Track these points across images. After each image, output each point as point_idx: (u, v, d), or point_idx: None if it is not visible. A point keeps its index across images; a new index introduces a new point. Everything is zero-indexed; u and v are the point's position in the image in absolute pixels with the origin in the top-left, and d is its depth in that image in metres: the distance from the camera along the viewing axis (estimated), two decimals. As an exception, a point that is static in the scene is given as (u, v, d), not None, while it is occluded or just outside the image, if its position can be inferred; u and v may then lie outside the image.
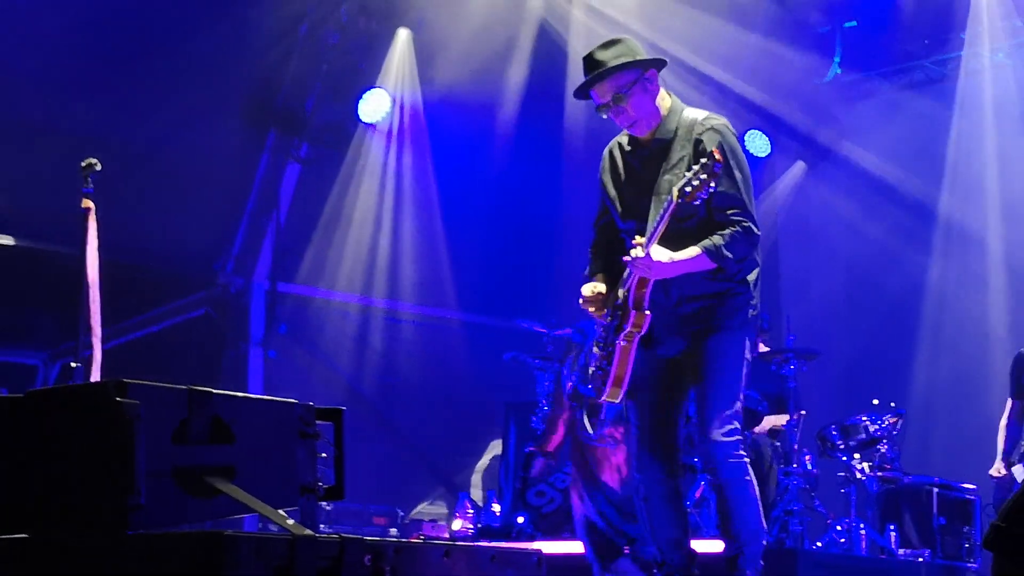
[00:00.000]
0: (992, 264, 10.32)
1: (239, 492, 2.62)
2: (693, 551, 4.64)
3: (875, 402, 7.93)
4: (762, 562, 4.45)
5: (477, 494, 10.52)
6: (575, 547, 6.43)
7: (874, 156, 11.06)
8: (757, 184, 4.65)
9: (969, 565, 7.63)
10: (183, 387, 2.64)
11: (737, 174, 4.43)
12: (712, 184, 4.18)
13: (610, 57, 4.51)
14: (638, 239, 4.38)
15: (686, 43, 9.72)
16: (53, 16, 8.69)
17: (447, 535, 8.78)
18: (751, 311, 4.57)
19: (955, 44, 10.31)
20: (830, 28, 10.59)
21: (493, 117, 10.75)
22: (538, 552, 2.91)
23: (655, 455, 4.58)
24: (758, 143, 11.12)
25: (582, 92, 4.61)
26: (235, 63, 9.71)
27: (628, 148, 4.70)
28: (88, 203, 5.46)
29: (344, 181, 10.84)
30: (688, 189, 4.19)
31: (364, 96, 10.63)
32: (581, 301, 4.70)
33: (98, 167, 5.49)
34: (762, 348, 8.28)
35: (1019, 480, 7.14)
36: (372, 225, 10.98)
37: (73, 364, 5.38)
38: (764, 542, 4.46)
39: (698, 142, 4.46)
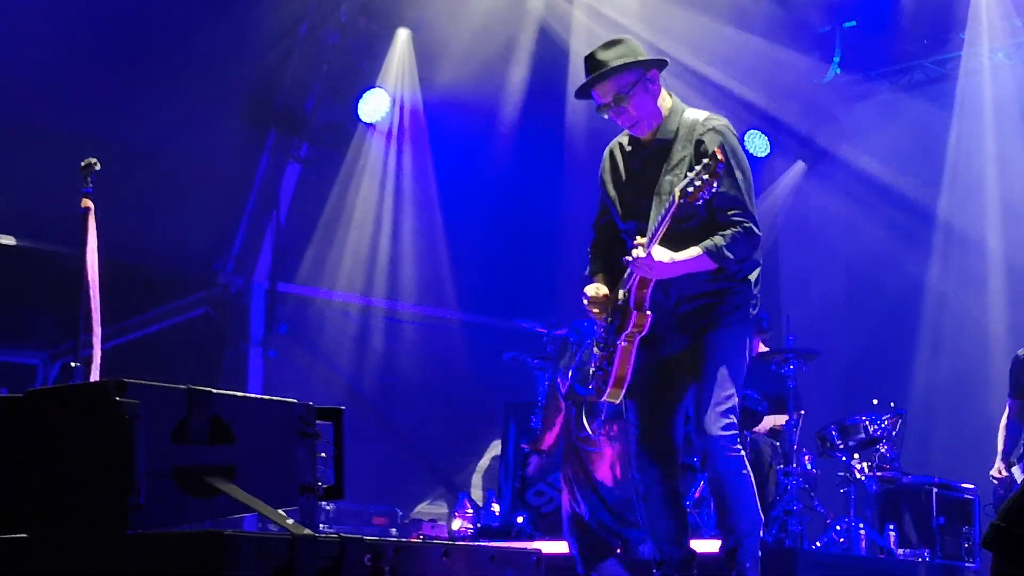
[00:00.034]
0: (992, 264, 10.33)
1: (239, 492, 2.62)
2: (692, 551, 4.65)
3: (875, 402, 7.93)
4: (760, 553, 4.46)
5: (478, 494, 10.53)
6: (572, 547, 6.44)
7: (874, 156, 11.07)
8: (757, 184, 4.65)
9: (968, 565, 7.63)
10: (183, 387, 2.64)
11: (738, 175, 4.43)
12: (714, 185, 4.18)
13: (612, 57, 4.51)
14: (639, 239, 4.37)
15: (686, 44, 9.73)
16: (53, 16, 8.69)
17: (447, 535, 8.78)
18: (752, 310, 4.57)
19: (955, 44, 10.31)
20: (830, 28, 10.59)
21: (493, 117, 10.75)
22: (537, 552, 2.91)
23: (655, 455, 4.59)
24: (758, 143, 11.13)
25: (583, 92, 4.61)
26: (235, 63, 9.71)
27: (629, 148, 4.70)
28: (88, 203, 5.46)
29: (344, 181, 10.84)
30: (690, 189, 4.19)
31: (364, 96, 10.63)
32: (586, 302, 4.70)
33: (98, 167, 5.49)
34: (762, 348, 8.28)
35: (1019, 480, 7.14)
36: (372, 225, 10.98)
37: (73, 364, 5.38)
38: (762, 534, 4.47)
39: (699, 143, 4.46)
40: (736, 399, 4.41)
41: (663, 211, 4.34)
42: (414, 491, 11.07)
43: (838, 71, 10.67)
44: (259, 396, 2.91)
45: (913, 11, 10.01)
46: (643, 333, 4.47)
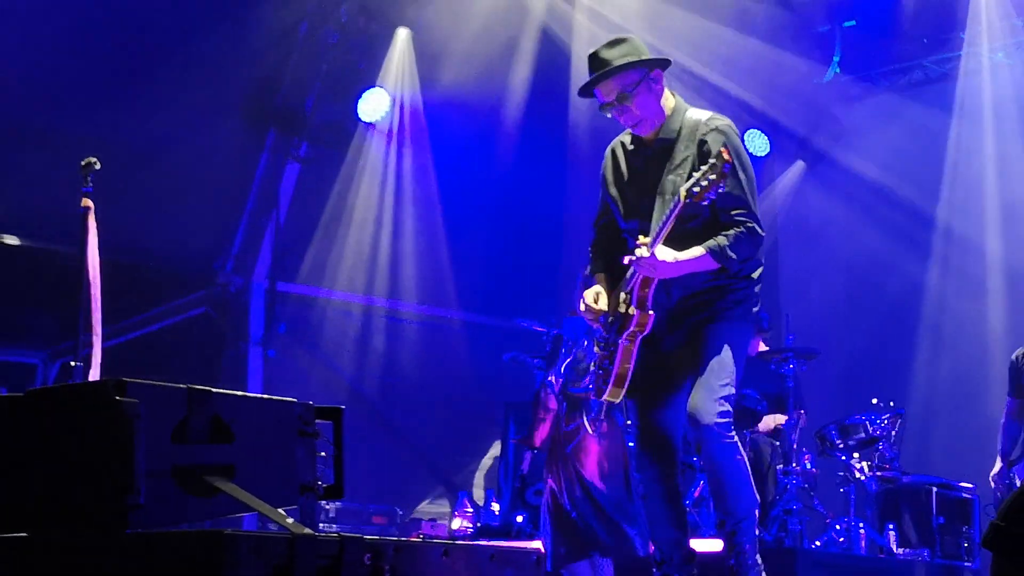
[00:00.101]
0: (991, 264, 10.33)
1: (238, 491, 2.62)
2: (692, 550, 4.65)
3: (875, 402, 7.92)
4: (757, 533, 4.48)
5: (479, 494, 10.53)
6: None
7: (873, 156, 11.07)
8: (757, 184, 4.65)
9: (968, 565, 7.63)
10: (183, 386, 2.64)
11: (741, 175, 4.43)
12: (721, 185, 4.17)
13: (615, 56, 4.51)
14: (642, 239, 4.37)
15: (686, 44, 9.72)
16: (53, 16, 8.69)
17: (446, 534, 8.79)
18: (753, 307, 4.57)
19: (955, 44, 10.31)
20: (829, 28, 10.60)
21: (494, 117, 10.76)
22: (537, 551, 2.92)
23: (655, 454, 4.59)
24: (757, 142, 11.14)
25: (586, 90, 4.61)
26: (235, 63, 9.71)
27: (631, 147, 4.70)
28: (88, 202, 5.46)
29: (344, 181, 10.84)
30: (696, 189, 4.18)
31: (364, 96, 10.64)
32: (582, 307, 4.70)
33: (97, 166, 5.49)
34: (762, 347, 8.28)
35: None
36: (373, 224, 10.99)
37: (73, 363, 5.38)
38: (757, 512, 4.48)
39: (702, 143, 4.46)
40: (733, 390, 4.40)
41: (668, 211, 4.33)
42: (414, 491, 11.08)
43: (838, 71, 10.67)
44: (259, 395, 2.91)
45: (913, 11, 10.01)
46: (645, 332, 4.47)
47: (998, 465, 7.31)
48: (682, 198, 4.23)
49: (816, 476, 7.85)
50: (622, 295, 4.52)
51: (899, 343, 10.65)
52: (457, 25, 10.16)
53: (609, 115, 4.60)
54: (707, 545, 6.24)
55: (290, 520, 2.55)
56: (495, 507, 8.90)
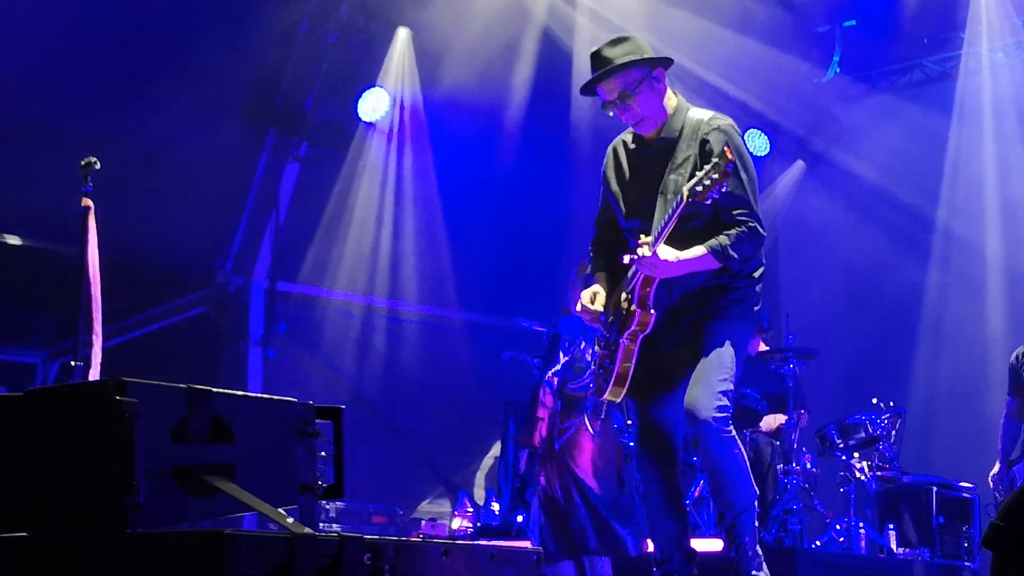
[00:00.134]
0: (990, 263, 10.33)
1: (238, 491, 2.62)
2: (693, 550, 4.65)
3: (875, 401, 7.93)
4: (756, 525, 4.48)
5: (480, 494, 10.53)
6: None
7: (873, 156, 11.07)
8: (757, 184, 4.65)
9: (968, 564, 7.63)
10: (182, 386, 2.64)
11: (743, 175, 4.43)
12: (724, 184, 4.17)
13: (618, 55, 4.51)
14: (644, 238, 4.37)
15: (686, 45, 9.72)
16: (53, 16, 8.69)
17: (446, 534, 8.79)
18: (754, 306, 4.57)
19: (955, 44, 10.31)
20: (829, 28, 10.59)
21: (495, 117, 10.76)
22: (537, 551, 2.91)
23: (655, 454, 4.59)
24: (757, 142, 11.14)
25: (589, 88, 4.61)
26: (235, 63, 9.71)
27: (632, 146, 4.70)
28: (88, 202, 5.46)
29: (344, 180, 10.84)
30: (699, 189, 4.18)
31: (364, 95, 10.64)
32: (579, 307, 4.70)
33: (97, 166, 5.49)
34: (762, 348, 8.29)
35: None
36: (373, 224, 10.99)
37: (73, 363, 5.38)
38: (756, 504, 4.49)
39: (704, 142, 4.46)
40: (731, 386, 4.40)
41: (670, 210, 4.33)
42: (414, 490, 11.07)
43: (838, 71, 10.67)
44: (259, 395, 2.91)
45: (913, 11, 10.01)
46: (646, 332, 4.47)
47: (998, 465, 7.31)
48: (685, 197, 4.23)
49: (816, 476, 7.85)
50: (623, 294, 4.51)
51: (899, 343, 10.65)
52: (457, 25, 10.16)
53: (611, 113, 4.60)
54: (707, 545, 6.25)
55: (290, 520, 2.55)
56: (495, 507, 8.89)
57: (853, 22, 10.51)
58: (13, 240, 9.45)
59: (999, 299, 10.21)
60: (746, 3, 9.99)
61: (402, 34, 10.62)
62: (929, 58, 10.62)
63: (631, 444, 5.84)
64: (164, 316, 10.46)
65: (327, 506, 8.88)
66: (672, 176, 4.47)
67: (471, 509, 8.91)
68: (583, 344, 6.28)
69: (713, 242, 4.36)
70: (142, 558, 2.34)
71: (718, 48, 10.08)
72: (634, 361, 4.48)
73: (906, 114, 10.83)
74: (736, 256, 4.38)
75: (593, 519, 6.08)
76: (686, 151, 4.50)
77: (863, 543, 7.55)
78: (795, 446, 7.62)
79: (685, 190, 4.23)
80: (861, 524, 7.58)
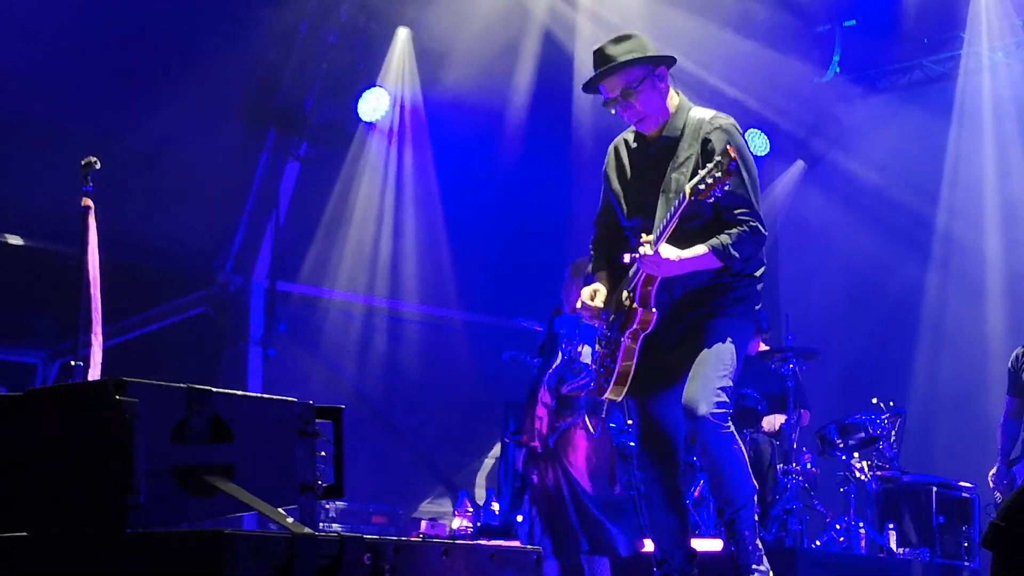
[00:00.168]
0: (990, 263, 10.33)
1: (238, 491, 2.62)
2: (693, 550, 4.65)
3: (875, 401, 7.93)
4: (756, 518, 4.48)
5: (481, 494, 10.53)
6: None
7: (873, 156, 11.07)
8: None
9: (968, 564, 7.64)
10: (182, 386, 2.64)
11: (745, 174, 4.43)
12: (726, 183, 4.17)
13: (621, 52, 4.50)
14: (646, 237, 4.37)
15: (686, 45, 9.70)
16: (54, 16, 8.70)
17: (446, 534, 8.79)
18: (755, 305, 4.57)
19: (955, 43, 10.31)
20: (829, 28, 10.60)
21: (494, 117, 10.75)
22: (537, 551, 2.91)
23: (656, 454, 4.58)
24: (757, 142, 11.14)
25: (591, 86, 4.60)
26: (235, 63, 9.71)
27: (634, 145, 4.69)
28: (88, 202, 5.46)
29: (344, 180, 10.84)
30: (702, 187, 4.18)
31: (364, 95, 10.64)
32: (579, 305, 4.69)
33: (97, 165, 5.49)
34: (762, 347, 8.29)
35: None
36: (373, 224, 10.99)
37: (73, 363, 5.38)
38: (755, 499, 4.49)
39: (706, 141, 4.46)
40: (730, 382, 4.39)
41: (672, 209, 4.33)
42: (414, 490, 11.08)
43: (838, 71, 10.67)
44: (259, 395, 2.91)
45: (913, 11, 10.01)
46: (648, 331, 4.46)
47: (997, 465, 7.32)
48: (687, 196, 4.22)
49: (816, 476, 7.85)
50: (625, 292, 4.51)
51: (899, 343, 10.66)
52: (458, 26, 10.16)
53: (613, 111, 4.59)
54: (707, 545, 6.25)
55: (290, 520, 2.55)
56: (495, 507, 8.89)
57: (853, 22, 10.51)
58: (13, 240, 9.45)
59: (999, 299, 10.21)
60: (746, 3, 9.99)
61: (402, 34, 10.62)
62: (929, 58, 10.62)
63: (631, 444, 5.84)
64: (164, 316, 10.46)
65: (327, 506, 8.88)
66: (674, 175, 4.47)
67: (471, 509, 8.92)
68: (581, 346, 6.27)
69: (715, 241, 4.36)
70: (142, 558, 2.34)
71: (718, 48, 10.07)
72: (635, 360, 4.48)
73: (906, 114, 10.83)
74: (738, 255, 4.38)
75: (583, 518, 6.06)
76: (688, 150, 4.49)
77: (863, 543, 7.55)
78: (795, 446, 7.63)
79: (687, 189, 4.23)
80: (861, 524, 7.59)
